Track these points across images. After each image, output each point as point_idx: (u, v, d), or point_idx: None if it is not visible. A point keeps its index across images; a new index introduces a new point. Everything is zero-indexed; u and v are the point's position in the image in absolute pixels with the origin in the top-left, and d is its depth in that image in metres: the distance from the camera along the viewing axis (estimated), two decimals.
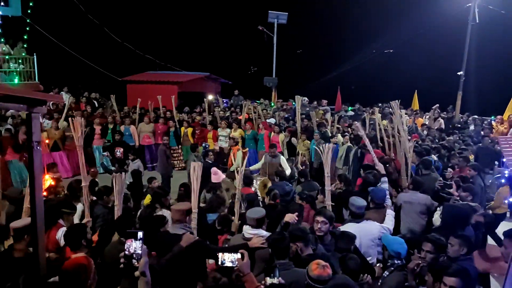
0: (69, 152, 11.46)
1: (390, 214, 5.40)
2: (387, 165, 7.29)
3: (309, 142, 11.05)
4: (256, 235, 4.34)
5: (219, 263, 3.07)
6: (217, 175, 7.23)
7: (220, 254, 3.08)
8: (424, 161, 7.59)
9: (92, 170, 8.60)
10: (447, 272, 3.39)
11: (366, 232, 4.81)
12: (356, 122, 11.88)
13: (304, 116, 13.05)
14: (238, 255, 3.05)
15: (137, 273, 2.69)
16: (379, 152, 8.95)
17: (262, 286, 3.08)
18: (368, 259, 4.58)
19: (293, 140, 11.61)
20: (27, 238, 3.91)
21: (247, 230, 4.46)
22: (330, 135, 11.33)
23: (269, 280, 3.00)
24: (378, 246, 4.75)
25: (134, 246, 2.81)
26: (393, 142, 9.19)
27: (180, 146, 12.80)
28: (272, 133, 11.84)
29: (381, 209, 5.44)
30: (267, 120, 13.68)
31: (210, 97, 17.85)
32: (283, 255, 3.73)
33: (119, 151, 9.64)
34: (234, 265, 3.05)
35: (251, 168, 9.55)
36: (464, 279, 3.35)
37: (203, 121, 13.63)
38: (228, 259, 3.06)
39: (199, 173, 5.00)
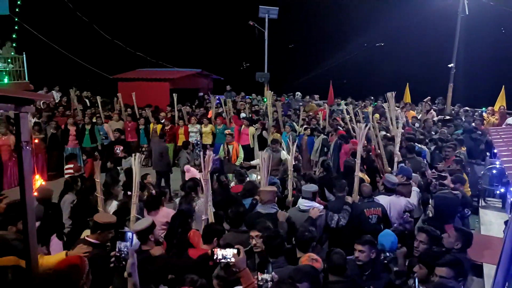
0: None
1: (415, 190, 6.07)
2: (369, 154, 8.18)
3: (279, 134, 11.36)
4: (312, 206, 5.11)
5: (215, 258, 3.06)
6: (189, 172, 7.15)
7: (216, 250, 3.07)
8: (407, 146, 8.17)
9: (74, 165, 8.59)
10: (438, 263, 3.42)
11: (395, 204, 5.70)
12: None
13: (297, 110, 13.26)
14: (234, 251, 3.05)
15: (125, 274, 2.69)
16: (356, 141, 9.30)
17: (256, 282, 3.08)
18: (394, 225, 5.46)
19: (264, 133, 11.89)
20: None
21: (303, 203, 5.21)
22: (297, 128, 12.15)
23: (262, 276, 3.00)
24: (401, 218, 5.60)
25: (123, 246, 2.81)
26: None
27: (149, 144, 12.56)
28: (243, 126, 12.11)
29: (408, 185, 6.13)
30: (241, 115, 13.84)
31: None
32: (277, 253, 3.74)
33: (118, 149, 9.74)
34: (230, 261, 3.05)
35: (252, 163, 9.65)
36: (455, 268, 3.38)
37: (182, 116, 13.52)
38: (224, 254, 3.05)
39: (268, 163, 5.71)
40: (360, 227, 5.16)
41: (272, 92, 13.89)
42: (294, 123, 12.64)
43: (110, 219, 4.11)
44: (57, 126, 11.63)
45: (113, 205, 5.72)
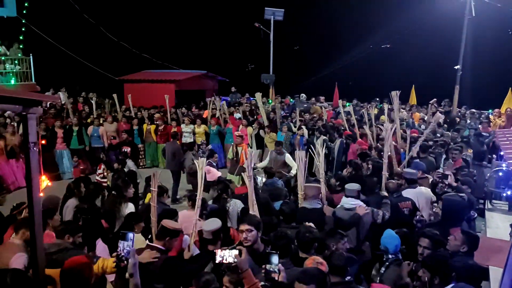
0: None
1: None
2: (381, 153, 8.14)
3: (275, 134, 11.75)
4: (358, 204, 5.24)
5: (218, 260, 3.06)
6: (211, 173, 7.09)
7: (218, 251, 3.07)
8: (421, 146, 8.43)
9: (82, 167, 8.73)
10: (422, 233, 3.47)
11: (421, 195, 6.06)
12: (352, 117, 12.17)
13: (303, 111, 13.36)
14: (236, 252, 3.05)
15: (126, 275, 2.70)
16: (364, 142, 9.92)
17: (259, 283, 3.08)
18: (424, 215, 5.75)
19: (261, 132, 12.13)
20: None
21: (349, 201, 5.31)
22: (294, 128, 12.37)
23: (268, 267, 3.01)
24: (430, 209, 5.98)
25: (124, 247, 2.82)
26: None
27: (144, 144, 12.77)
28: (241, 126, 12.31)
29: (425, 179, 6.79)
30: (234, 115, 14.04)
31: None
32: (283, 254, 3.74)
33: (126, 150, 9.88)
34: (233, 262, 3.05)
35: (259, 165, 9.67)
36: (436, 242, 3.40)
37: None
38: (226, 255, 3.05)
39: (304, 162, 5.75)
40: (397, 220, 5.37)
41: (261, 93, 14.10)
42: (292, 124, 12.84)
43: (178, 225, 4.09)
44: (47, 128, 11.59)
45: (130, 207, 5.69)
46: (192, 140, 12.30)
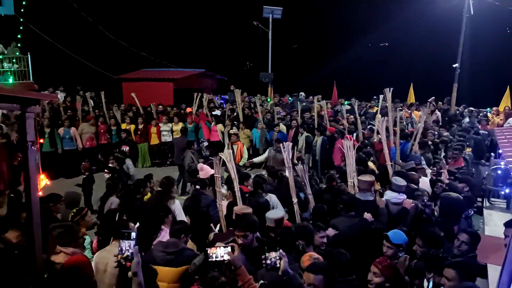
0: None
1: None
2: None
3: (249, 130, 12.16)
4: (404, 199, 5.48)
5: (210, 258, 3.04)
6: (204, 171, 7.07)
7: (209, 249, 3.05)
8: (419, 142, 8.83)
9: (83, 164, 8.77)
10: (447, 264, 3.41)
11: (424, 183, 6.66)
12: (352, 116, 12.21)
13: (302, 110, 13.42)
14: (229, 249, 3.03)
15: (129, 274, 2.69)
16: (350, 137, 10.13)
17: (254, 283, 3.07)
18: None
19: (234, 129, 12.45)
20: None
21: (397, 196, 5.52)
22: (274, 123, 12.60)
23: (269, 254, 3.03)
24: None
25: (127, 246, 2.81)
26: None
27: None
28: (213, 123, 12.79)
29: (422, 169, 7.43)
30: (213, 112, 14.31)
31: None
32: (288, 250, 3.76)
33: (125, 149, 9.93)
34: (226, 259, 3.03)
35: (255, 160, 9.70)
36: (463, 270, 3.36)
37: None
38: (219, 253, 3.03)
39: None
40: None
41: (241, 90, 14.55)
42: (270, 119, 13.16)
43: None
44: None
45: (176, 204, 5.72)
46: (170, 139, 12.53)
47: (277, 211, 4.61)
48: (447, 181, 6.51)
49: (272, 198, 5.90)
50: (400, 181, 5.64)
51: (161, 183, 6.04)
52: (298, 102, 15.41)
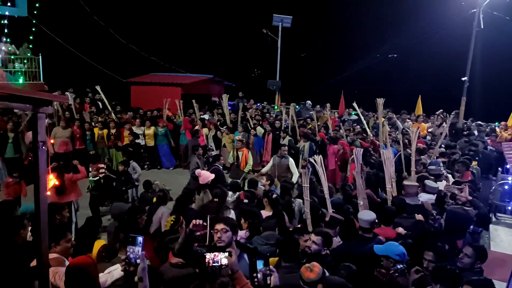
0: None
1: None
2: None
3: (232, 134, 12.43)
4: (432, 200, 6.03)
5: (208, 263, 3.03)
6: (203, 177, 6.95)
7: (207, 254, 3.04)
8: (417, 149, 8.71)
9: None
10: (426, 246, 3.49)
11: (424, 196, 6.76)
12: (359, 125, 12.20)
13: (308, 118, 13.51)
14: (226, 254, 3.04)
15: (135, 279, 2.69)
16: (343, 142, 10.54)
17: (251, 287, 3.08)
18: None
19: (218, 133, 13.06)
20: None
21: (433, 197, 6.02)
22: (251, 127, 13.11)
23: (261, 271, 3.09)
24: None
25: (133, 251, 2.81)
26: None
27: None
28: (197, 126, 12.95)
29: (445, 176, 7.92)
30: (203, 116, 14.76)
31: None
32: (291, 258, 3.75)
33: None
34: (223, 264, 3.03)
35: (263, 170, 9.68)
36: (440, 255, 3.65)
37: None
38: (216, 258, 3.03)
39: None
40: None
41: (228, 95, 14.62)
42: (248, 124, 13.54)
43: None
44: None
45: (232, 214, 5.72)
46: (143, 142, 12.62)
47: (369, 213, 4.73)
48: (469, 197, 6.16)
49: (300, 203, 6.22)
50: (433, 184, 6.19)
51: (215, 194, 5.99)
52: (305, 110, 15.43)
